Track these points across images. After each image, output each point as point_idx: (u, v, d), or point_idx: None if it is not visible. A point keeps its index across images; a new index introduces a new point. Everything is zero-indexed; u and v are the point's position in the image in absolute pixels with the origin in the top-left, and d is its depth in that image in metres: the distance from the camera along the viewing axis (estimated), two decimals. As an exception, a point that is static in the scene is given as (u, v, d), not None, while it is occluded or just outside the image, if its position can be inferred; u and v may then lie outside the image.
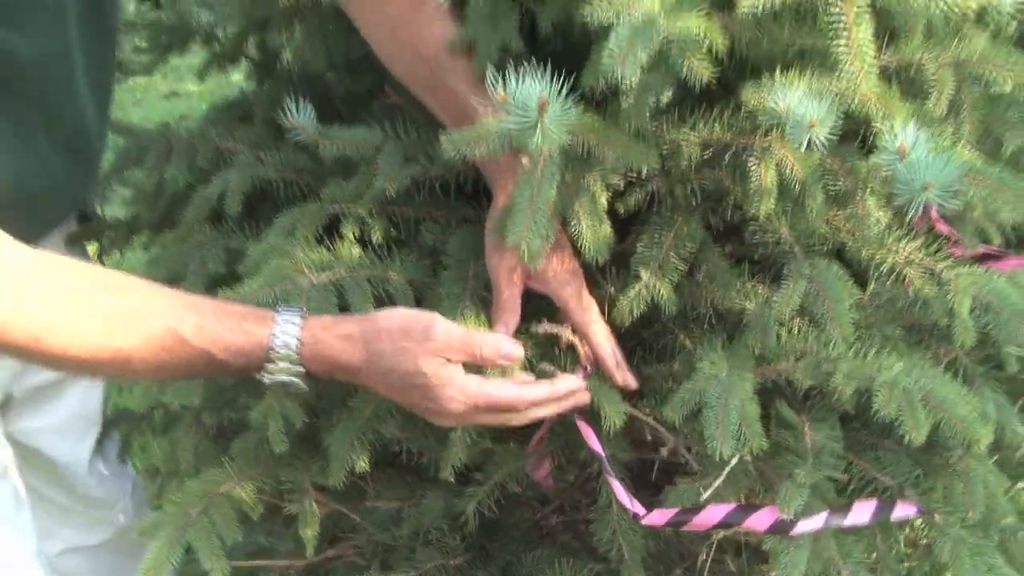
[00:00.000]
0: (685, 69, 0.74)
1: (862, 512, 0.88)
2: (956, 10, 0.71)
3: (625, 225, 0.95)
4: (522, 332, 0.93)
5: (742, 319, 0.92)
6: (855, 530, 0.93)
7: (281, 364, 0.86)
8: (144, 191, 1.28)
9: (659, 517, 0.88)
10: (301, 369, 0.86)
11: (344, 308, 0.94)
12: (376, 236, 0.98)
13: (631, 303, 0.91)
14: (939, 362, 0.94)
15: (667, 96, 0.83)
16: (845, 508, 0.88)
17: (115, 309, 0.83)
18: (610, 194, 0.89)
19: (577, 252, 0.90)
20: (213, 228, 1.11)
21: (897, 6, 0.74)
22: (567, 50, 0.92)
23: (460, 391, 0.84)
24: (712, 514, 0.87)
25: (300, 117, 0.95)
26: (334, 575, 1.20)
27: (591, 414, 0.94)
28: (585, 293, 0.92)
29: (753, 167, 0.84)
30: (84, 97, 1.01)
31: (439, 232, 1.01)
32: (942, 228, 0.98)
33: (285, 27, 1.26)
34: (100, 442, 1.36)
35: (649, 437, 0.98)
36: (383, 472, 1.12)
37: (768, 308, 0.89)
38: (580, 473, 1.10)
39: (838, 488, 0.91)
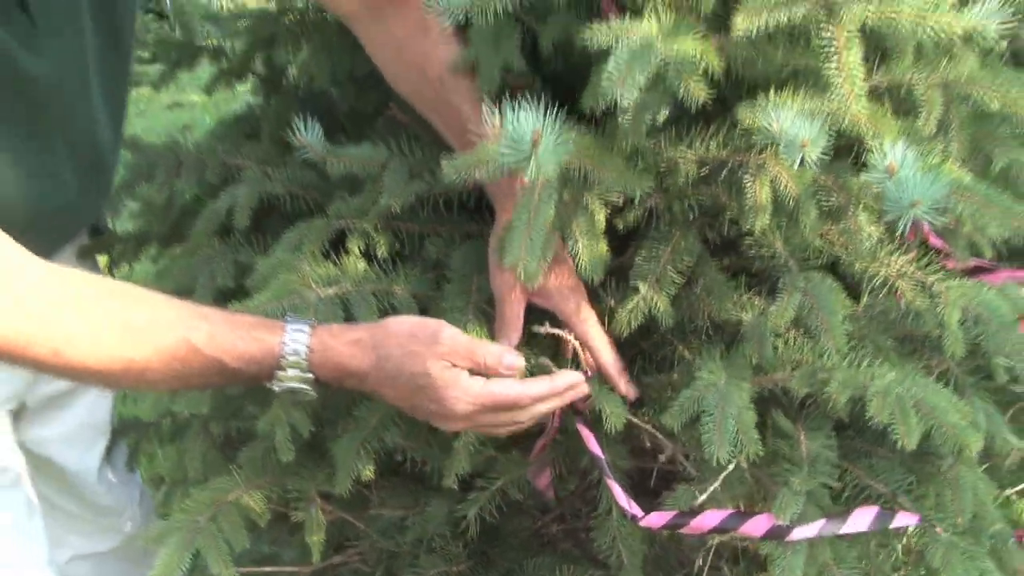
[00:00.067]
0: (682, 90, 0.77)
1: (861, 519, 0.90)
2: (943, 35, 0.73)
3: (624, 239, 0.97)
4: (524, 336, 0.96)
5: (739, 330, 0.94)
6: (853, 537, 0.95)
7: (291, 371, 0.88)
8: (153, 205, 1.31)
9: (657, 519, 0.91)
10: (311, 376, 0.88)
11: (350, 321, 0.96)
12: (381, 251, 1.01)
13: (629, 315, 0.93)
14: (931, 372, 0.95)
15: (664, 115, 0.85)
16: (843, 515, 0.90)
17: (130, 321, 0.86)
18: (609, 210, 0.91)
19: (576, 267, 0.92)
20: (221, 242, 1.13)
21: (886, 29, 0.76)
22: (568, 68, 0.95)
23: (465, 392, 0.86)
24: (709, 518, 0.89)
25: (308, 136, 0.97)
26: (339, 582, 1.22)
27: (591, 420, 0.97)
28: (586, 306, 0.95)
29: (748, 184, 0.86)
30: (100, 117, 1.03)
31: (443, 247, 1.03)
32: (935, 242, 1.01)
33: (291, 44, 1.29)
34: (109, 451, 1.38)
35: (648, 444, 1.00)
36: (387, 480, 1.13)
37: (764, 320, 0.91)
38: (581, 482, 1.12)
39: (833, 495, 0.93)
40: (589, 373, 0.95)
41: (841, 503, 0.96)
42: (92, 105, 1.02)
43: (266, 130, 1.25)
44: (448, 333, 0.87)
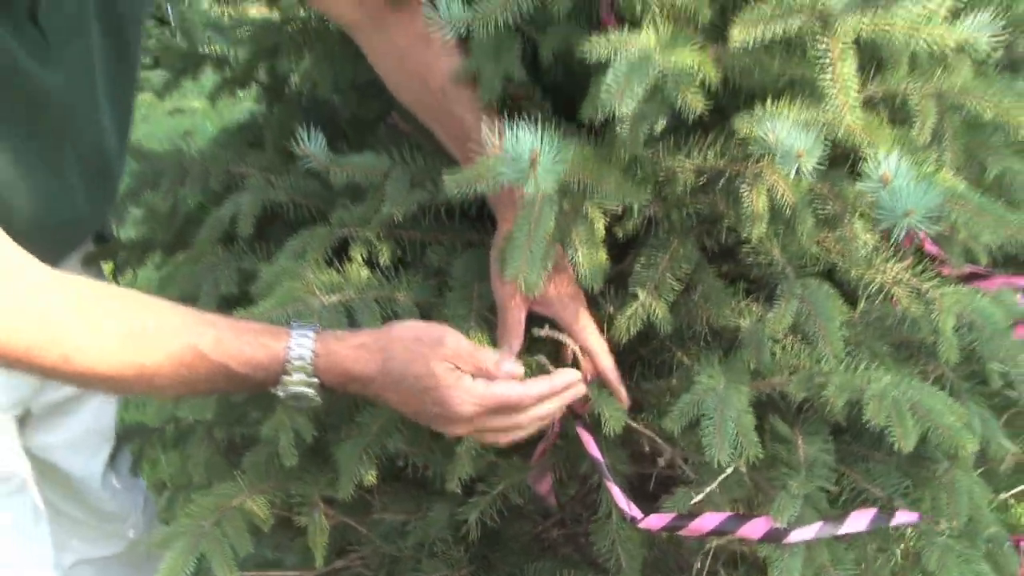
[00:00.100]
0: (679, 101, 0.78)
1: (858, 520, 0.92)
2: (936, 47, 0.75)
3: (623, 247, 0.98)
4: (525, 342, 0.97)
5: (737, 336, 0.95)
6: (849, 536, 0.97)
7: (296, 376, 0.89)
8: (157, 212, 1.32)
9: (656, 521, 0.92)
10: (316, 380, 0.89)
11: (354, 328, 0.96)
12: (384, 258, 1.02)
13: (628, 321, 0.94)
14: (927, 377, 0.97)
15: (662, 125, 0.86)
16: (840, 517, 0.91)
17: (138, 327, 0.86)
18: (608, 219, 0.92)
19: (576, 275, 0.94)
20: (225, 249, 1.14)
21: (880, 41, 0.77)
22: (568, 77, 0.96)
23: (469, 393, 0.87)
24: (707, 521, 0.90)
25: (312, 146, 0.99)
26: (342, 586, 1.23)
27: (591, 423, 0.98)
28: (585, 313, 0.96)
29: (746, 192, 0.87)
30: (107, 127, 1.04)
31: (444, 254, 1.04)
32: (930, 249, 1.02)
33: (294, 53, 1.30)
34: (113, 457, 1.39)
35: (647, 448, 1.01)
36: (389, 485, 1.14)
37: (762, 326, 0.93)
38: (581, 487, 1.13)
39: (830, 499, 0.94)
40: (589, 377, 0.96)
41: (838, 507, 0.97)
42: (100, 115, 1.03)
43: (269, 138, 1.26)
44: (452, 337, 0.89)
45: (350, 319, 0.97)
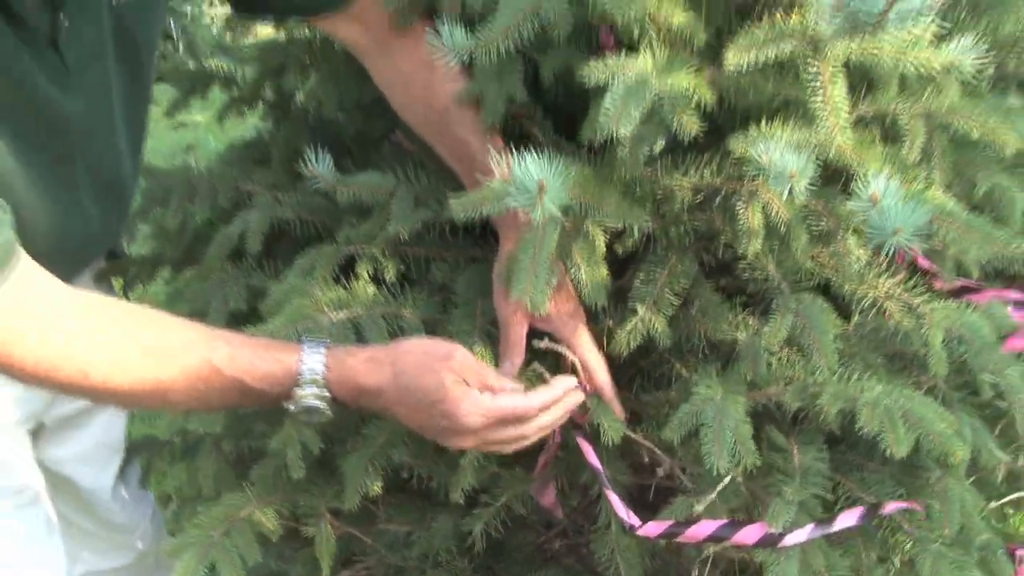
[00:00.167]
0: (675, 123, 0.81)
1: (848, 518, 0.94)
2: (922, 69, 0.77)
3: (623, 263, 1.00)
4: (526, 356, 1.00)
5: (734, 349, 0.97)
6: (844, 543, 0.99)
7: (308, 389, 0.90)
8: (166, 229, 1.35)
9: (654, 528, 0.94)
10: (327, 394, 0.91)
11: (362, 343, 0.99)
12: (390, 275, 1.04)
13: (628, 335, 0.97)
14: (920, 388, 0.99)
15: (660, 146, 0.89)
16: (830, 520, 0.94)
17: (153, 343, 0.89)
18: (608, 236, 0.95)
19: (577, 292, 0.96)
20: (234, 266, 1.17)
21: (869, 64, 0.80)
22: (568, 96, 0.98)
23: (476, 405, 0.89)
24: (703, 527, 0.92)
25: (319, 166, 1.01)
26: (347, 596, 1.25)
27: (590, 433, 1.00)
28: (584, 329, 0.99)
29: (741, 210, 0.89)
30: (122, 149, 1.07)
31: (449, 271, 1.06)
32: (923, 263, 1.04)
33: (300, 72, 1.33)
34: (123, 469, 1.41)
35: (647, 459, 1.04)
36: (394, 497, 1.16)
37: (758, 339, 0.95)
38: (583, 498, 1.15)
39: (825, 506, 0.96)
40: (586, 386, 0.99)
41: (833, 514, 0.99)
42: (115, 138, 1.05)
43: (276, 156, 1.28)
44: (460, 352, 0.91)
45: (358, 335, 0.99)
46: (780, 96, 0.88)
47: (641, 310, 0.96)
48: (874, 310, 0.96)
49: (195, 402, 0.91)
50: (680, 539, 0.94)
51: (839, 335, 0.96)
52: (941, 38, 0.80)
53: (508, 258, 0.94)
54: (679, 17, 0.82)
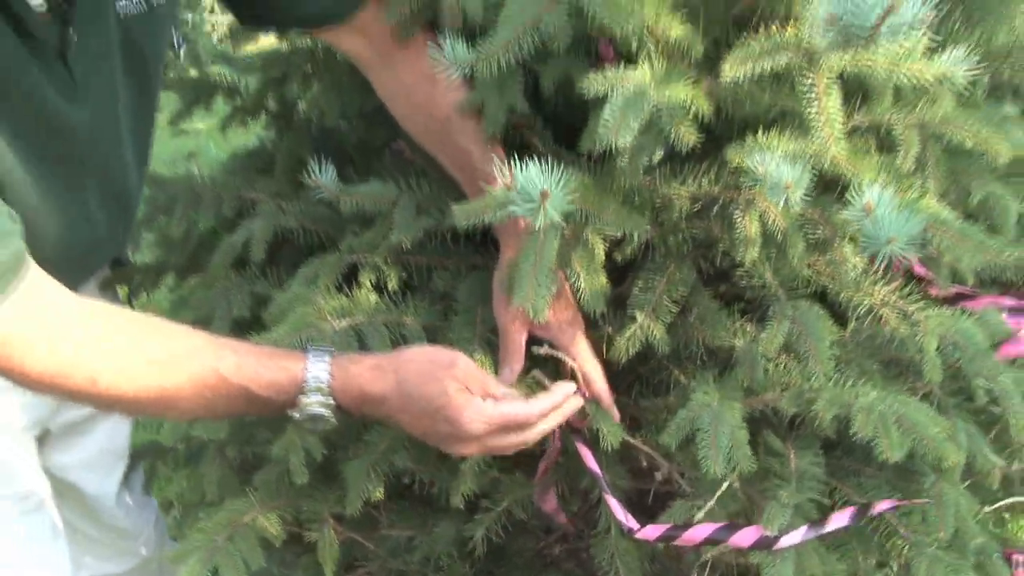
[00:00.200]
0: (673, 134, 0.82)
1: (840, 519, 0.95)
2: (915, 81, 0.79)
3: (622, 271, 1.02)
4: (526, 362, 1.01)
5: (731, 355, 0.99)
6: (841, 547, 1.00)
7: (313, 397, 0.92)
8: (170, 237, 1.36)
9: (652, 531, 0.95)
10: (332, 402, 0.92)
11: (364, 351, 1.00)
12: (392, 283, 1.06)
13: (627, 342, 0.98)
14: (915, 394, 1.00)
15: (658, 155, 0.90)
16: (822, 522, 0.95)
17: (162, 351, 0.90)
18: (607, 244, 0.96)
19: (577, 300, 0.97)
20: (238, 274, 1.18)
21: (863, 76, 0.81)
22: (568, 106, 1.00)
23: (479, 413, 0.91)
24: (700, 531, 0.93)
25: (323, 176, 1.03)
26: (350, 601, 1.26)
27: (589, 438, 1.02)
28: (582, 337, 1.00)
29: (739, 218, 0.90)
30: (128, 160, 1.08)
31: (450, 279, 1.08)
32: (919, 270, 1.06)
33: (302, 82, 1.34)
34: (127, 475, 1.42)
35: (645, 464, 1.05)
36: (396, 503, 1.17)
37: (755, 345, 0.96)
38: (583, 503, 1.16)
39: (822, 511, 0.98)
40: (585, 392, 1.00)
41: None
42: (122, 149, 1.07)
43: (279, 165, 1.29)
44: (463, 360, 0.93)
45: (360, 343, 1.01)
46: (777, 106, 0.89)
47: (640, 317, 0.98)
48: (870, 317, 0.98)
49: (202, 410, 0.92)
50: (678, 542, 0.95)
51: (835, 341, 0.97)
52: (934, 50, 0.82)
53: (509, 266, 0.95)
54: (677, 30, 0.84)
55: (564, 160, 0.94)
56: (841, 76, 0.81)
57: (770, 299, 0.98)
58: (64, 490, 1.31)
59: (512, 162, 0.77)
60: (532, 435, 0.95)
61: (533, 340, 1.00)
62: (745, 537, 0.92)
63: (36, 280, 0.86)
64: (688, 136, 0.82)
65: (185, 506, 1.91)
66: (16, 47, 0.87)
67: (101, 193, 1.05)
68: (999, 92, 1.11)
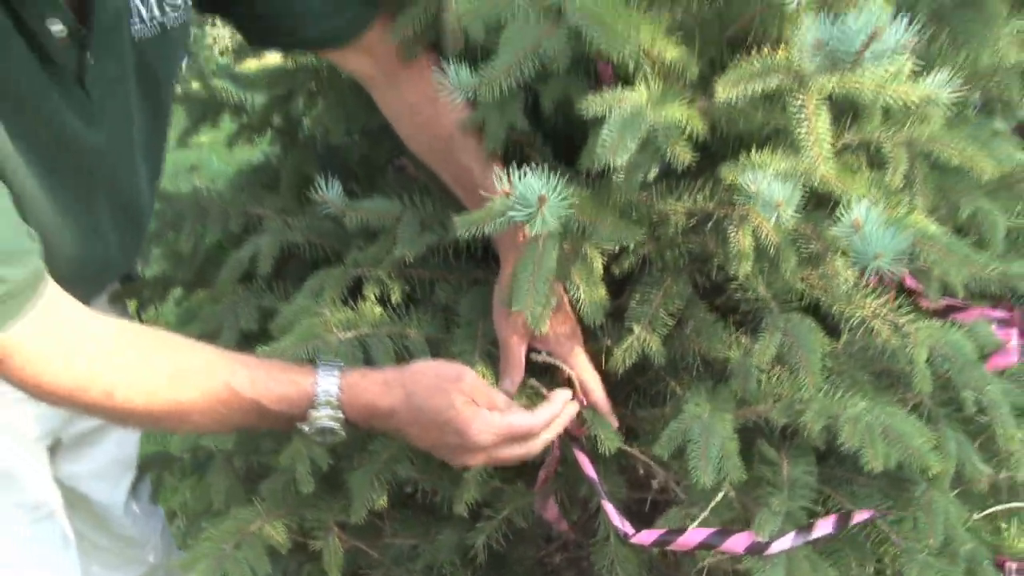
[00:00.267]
0: (669, 153, 0.85)
1: (825, 526, 0.98)
2: (900, 103, 0.82)
3: (620, 284, 1.04)
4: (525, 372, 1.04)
5: (726, 367, 1.01)
6: (833, 554, 1.02)
7: (323, 410, 0.94)
8: (177, 252, 1.39)
9: (647, 536, 0.98)
10: (342, 415, 0.95)
11: (368, 363, 1.03)
12: (395, 296, 1.08)
13: (625, 354, 1.00)
14: (906, 404, 1.03)
15: (655, 173, 0.93)
16: (809, 527, 0.97)
17: (175, 366, 0.93)
18: (606, 258, 0.99)
19: (576, 312, 1.00)
20: (245, 288, 1.21)
21: (852, 97, 0.84)
22: (567, 123, 1.02)
23: (487, 424, 0.94)
24: (694, 536, 0.96)
25: (329, 192, 1.05)
26: (354, 608, 1.28)
27: (587, 446, 1.04)
28: (580, 350, 1.03)
29: (733, 233, 0.93)
30: (141, 178, 1.11)
31: (452, 292, 1.10)
32: (910, 283, 1.08)
33: (307, 99, 1.37)
34: (134, 485, 1.44)
35: (642, 472, 1.07)
36: (400, 511, 1.19)
37: (749, 357, 0.99)
38: (583, 512, 1.18)
39: (813, 518, 1.00)
40: (583, 400, 1.03)
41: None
42: (135, 169, 1.09)
43: (285, 181, 1.32)
44: (469, 375, 0.96)
45: (365, 354, 1.03)
46: (770, 125, 0.91)
47: (637, 329, 1.00)
48: (862, 329, 1.00)
49: (215, 423, 0.95)
50: (672, 546, 0.97)
51: (828, 353, 0.99)
52: (920, 71, 0.84)
53: (509, 280, 0.98)
54: (672, 52, 0.86)
55: (563, 176, 0.97)
56: (830, 97, 0.84)
57: (763, 312, 1.00)
58: (74, 499, 1.33)
59: (511, 172, 0.80)
60: (537, 445, 0.98)
61: (532, 350, 1.03)
62: (738, 543, 0.95)
63: (53, 297, 0.89)
64: (683, 155, 0.84)
65: (189, 516, 1.92)
66: (37, 72, 0.89)
67: (114, 212, 1.08)
68: (990, 106, 1.14)
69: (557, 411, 0.98)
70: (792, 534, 0.95)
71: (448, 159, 1.05)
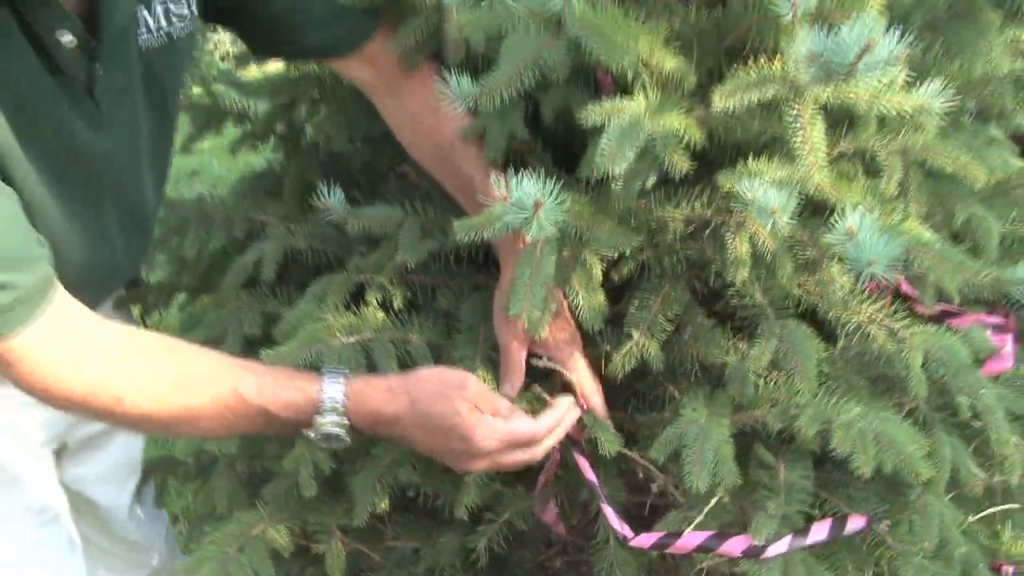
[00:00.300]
0: (667, 161, 0.86)
1: (820, 530, 0.99)
2: (894, 112, 0.83)
3: (619, 290, 1.05)
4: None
5: (724, 372, 1.02)
6: (830, 557, 1.03)
7: (329, 417, 0.95)
8: (182, 257, 1.40)
9: (645, 540, 0.99)
10: (347, 422, 0.96)
11: (371, 367, 1.04)
12: (397, 302, 1.09)
13: (624, 359, 1.01)
14: (902, 409, 1.04)
15: (653, 180, 0.94)
16: (804, 531, 0.99)
17: (184, 372, 0.94)
18: (605, 265, 1.00)
19: (575, 318, 1.01)
20: (248, 293, 1.22)
21: (847, 104, 0.86)
22: (567, 131, 1.04)
23: (491, 430, 0.95)
24: (692, 539, 0.97)
25: (331, 199, 1.07)
26: (356, 611, 1.29)
27: (587, 450, 1.05)
28: (579, 355, 1.04)
29: (730, 240, 0.94)
30: (147, 186, 1.13)
31: (453, 298, 1.12)
32: (906, 289, 1.09)
33: (310, 107, 1.38)
34: (139, 488, 1.45)
35: (641, 476, 1.08)
36: (401, 515, 1.20)
37: (746, 363, 1.00)
38: (583, 516, 1.19)
39: (809, 521, 1.01)
40: (583, 404, 1.04)
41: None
42: (142, 176, 1.11)
43: (288, 188, 1.34)
44: (473, 381, 0.97)
45: (368, 358, 1.04)
46: (766, 134, 0.93)
47: (636, 335, 1.01)
48: (858, 334, 1.01)
49: (222, 429, 0.96)
50: (671, 549, 0.98)
51: (825, 359, 1.00)
52: (914, 81, 0.86)
53: (508, 286, 0.99)
54: (670, 62, 0.88)
55: (563, 184, 0.98)
56: (825, 107, 0.85)
57: (760, 318, 1.01)
58: (79, 503, 1.34)
59: (509, 177, 0.81)
60: (540, 451, 0.99)
61: (532, 355, 1.04)
62: (735, 546, 0.96)
63: (62, 303, 0.90)
64: (681, 163, 0.86)
65: (192, 520, 1.94)
66: (47, 82, 0.91)
67: (121, 217, 1.09)
68: (986, 114, 1.16)
69: (560, 417, 1.00)
70: (788, 537, 0.96)
71: (449, 167, 1.07)
